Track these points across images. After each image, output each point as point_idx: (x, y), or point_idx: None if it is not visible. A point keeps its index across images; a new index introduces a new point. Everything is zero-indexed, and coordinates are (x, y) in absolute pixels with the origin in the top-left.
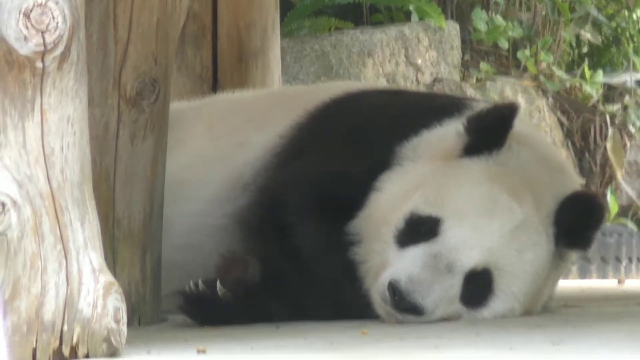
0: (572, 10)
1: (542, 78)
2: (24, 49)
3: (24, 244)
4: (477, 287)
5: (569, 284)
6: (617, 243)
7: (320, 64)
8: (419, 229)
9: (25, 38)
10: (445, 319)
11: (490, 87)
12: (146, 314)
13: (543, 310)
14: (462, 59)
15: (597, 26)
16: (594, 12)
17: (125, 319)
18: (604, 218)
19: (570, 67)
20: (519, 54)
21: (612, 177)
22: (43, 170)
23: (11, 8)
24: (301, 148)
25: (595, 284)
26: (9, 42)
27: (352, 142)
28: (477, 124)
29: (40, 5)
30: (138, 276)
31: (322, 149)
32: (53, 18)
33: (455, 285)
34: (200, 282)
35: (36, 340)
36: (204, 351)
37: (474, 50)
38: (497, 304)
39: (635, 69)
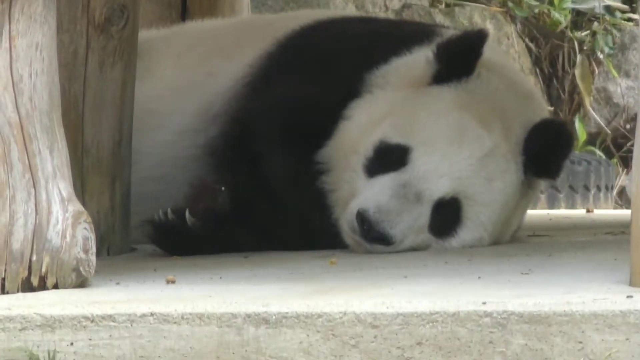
0: None
1: (510, 4)
2: None
3: None
4: (446, 216)
5: (537, 213)
6: (586, 171)
7: None
8: (388, 158)
9: None
10: (414, 249)
11: (459, 14)
12: (115, 243)
13: (512, 240)
14: None
15: None
16: None
17: (94, 249)
18: (572, 146)
19: None
20: None
21: (580, 105)
22: (11, 98)
23: None
24: (271, 77)
25: (563, 213)
26: None
27: (321, 71)
28: (446, 51)
29: None
30: (107, 205)
31: (292, 78)
32: None
33: (423, 214)
34: (169, 211)
35: (5, 270)
36: (173, 281)
37: None
38: (465, 234)
39: None
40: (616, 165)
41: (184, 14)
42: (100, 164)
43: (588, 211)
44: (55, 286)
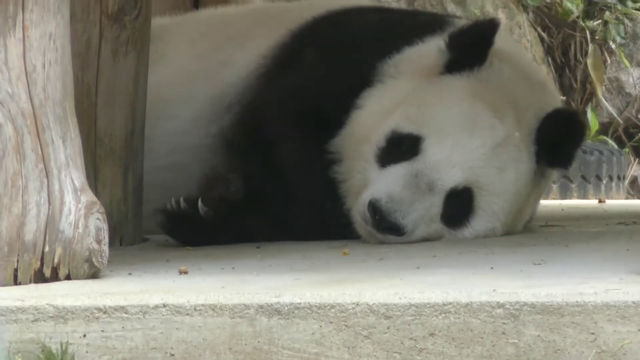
0: None
1: None
2: None
3: (5, 163)
4: (458, 206)
5: (550, 203)
6: (598, 161)
7: None
8: (400, 148)
9: None
10: (426, 239)
11: (471, 3)
12: (128, 233)
13: (524, 230)
14: None
15: None
16: None
17: (107, 240)
18: (584, 135)
19: None
20: None
21: (592, 94)
22: (25, 88)
23: None
24: (285, 69)
25: (576, 203)
26: None
27: (334, 60)
28: (458, 41)
29: None
30: (120, 195)
31: (305, 68)
32: None
33: (436, 204)
34: (181, 199)
35: (17, 261)
36: (186, 272)
37: None
38: (478, 224)
39: None
40: (628, 155)
41: (197, 3)
42: (113, 153)
43: (600, 201)
44: (68, 277)
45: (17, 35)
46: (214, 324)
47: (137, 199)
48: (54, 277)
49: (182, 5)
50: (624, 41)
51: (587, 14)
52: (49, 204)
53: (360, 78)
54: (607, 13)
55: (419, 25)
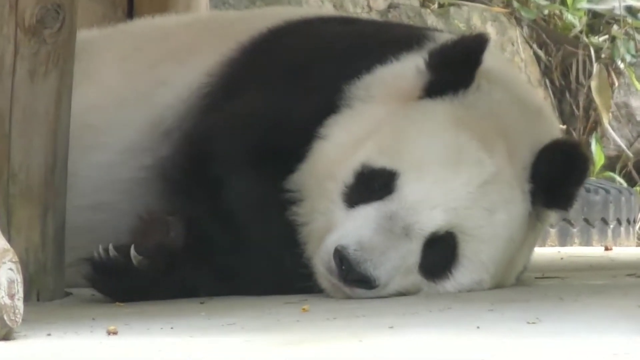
0: None
1: (515, 4)
2: None
3: None
4: (440, 254)
5: (547, 251)
6: (604, 202)
7: None
8: (371, 185)
9: None
10: (402, 293)
11: (455, 15)
12: (47, 286)
13: (517, 282)
14: None
15: None
16: None
17: (21, 294)
18: (588, 171)
19: None
20: None
21: (597, 123)
22: None
23: None
24: (233, 88)
25: (577, 250)
26: None
27: (292, 81)
28: (440, 59)
29: None
30: (37, 241)
31: (258, 89)
32: None
33: (413, 252)
34: (111, 247)
35: None
36: (115, 332)
37: None
38: (462, 275)
39: None
40: (639, 195)
41: (131, 13)
42: (30, 192)
43: (606, 249)
44: None
45: None
46: None
47: (58, 246)
48: None
49: (113, 15)
50: (634, 60)
51: (592, 29)
52: None
53: (324, 103)
54: (615, 27)
55: (393, 40)
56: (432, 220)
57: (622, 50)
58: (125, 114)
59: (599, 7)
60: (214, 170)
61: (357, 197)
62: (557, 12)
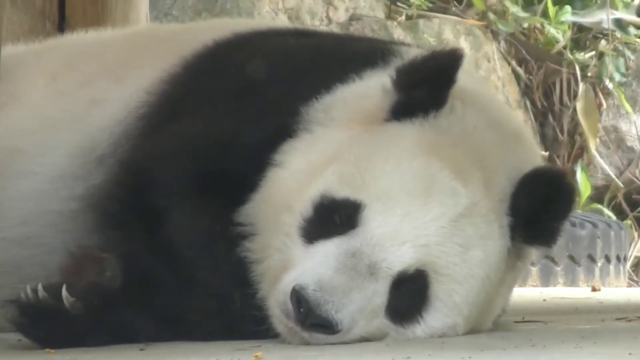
0: None
1: (492, 16)
2: None
3: None
4: (409, 295)
5: (528, 292)
6: (591, 237)
7: None
8: (333, 218)
9: None
10: (366, 339)
11: (425, 28)
12: None
13: (494, 327)
14: None
15: None
16: None
17: None
18: (573, 203)
19: (529, 2)
20: None
21: (583, 149)
22: None
23: None
24: (175, 108)
25: (562, 291)
26: None
27: (242, 101)
28: (408, 77)
29: None
30: None
31: (203, 109)
32: None
33: (379, 293)
34: (40, 287)
35: None
36: None
37: None
38: (434, 319)
39: (613, 4)
40: (630, 229)
41: (62, 25)
42: None
43: (594, 289)
44: None
45: None
46: None
47: None
48: None
49: (42, 28)
50: (624, 79)
51: (577, 44)
52: None
53: (279, 126)
54: (603, 42)
55: (356, 56)
56: (400, 258)
57: (610, 68)
58: (55, 138)
59: (585, 20)
60: (153, 201)
61: (317, 232)
62: (539, 25)
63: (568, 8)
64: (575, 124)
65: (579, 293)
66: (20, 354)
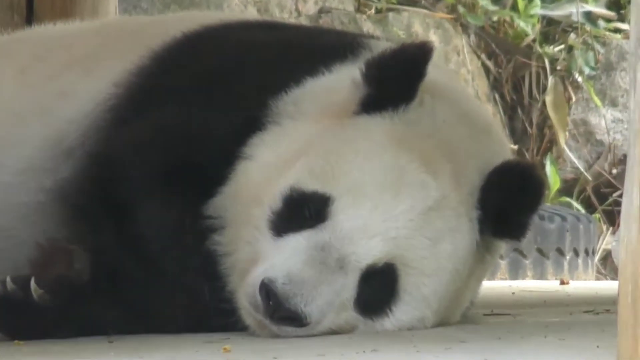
0: None
1: (461, 9)
2: None
3: None
4: (378, 288)
5: (497, 285)
6: (560, 230)
7: None
8: (302, 211)
9: None
10: (335, 332)
11: (394, 21)
12: None
13: (463, 320)
14: None
15: None
16: None
17: None
18: (542, 196)
19: None
20: None
21: (552, 142)
22: None
23: None
24: (143, 100)
25: (530, 284)
26: None
27: (210, 93)
28: (378, 71)
29: None
30: None
31: (172, 102)
32: None
33: (348, 286)
34: (8, 279)
35: None
36: None
37: None
38: (403, 311)
39: None
40: (599, 223)
41: (30, 18)
42: None
43: (562, 283)
44: None
45: None
46: None
47: None
48: None
49: (10, 21)
50: (594, 73)
51: (546, 37)
52: None
53: (248, 119)
54: (572, 36)
55: (325, 49)
56: (369, 251)
57: (580, 61)
58: (24, 131)
59: (554, 14)
60: (121, 194)
61: (286, 225)
62: (508, 18)
63: (537, 1)
64: (544, 118)
65: (548, 286)
66: None
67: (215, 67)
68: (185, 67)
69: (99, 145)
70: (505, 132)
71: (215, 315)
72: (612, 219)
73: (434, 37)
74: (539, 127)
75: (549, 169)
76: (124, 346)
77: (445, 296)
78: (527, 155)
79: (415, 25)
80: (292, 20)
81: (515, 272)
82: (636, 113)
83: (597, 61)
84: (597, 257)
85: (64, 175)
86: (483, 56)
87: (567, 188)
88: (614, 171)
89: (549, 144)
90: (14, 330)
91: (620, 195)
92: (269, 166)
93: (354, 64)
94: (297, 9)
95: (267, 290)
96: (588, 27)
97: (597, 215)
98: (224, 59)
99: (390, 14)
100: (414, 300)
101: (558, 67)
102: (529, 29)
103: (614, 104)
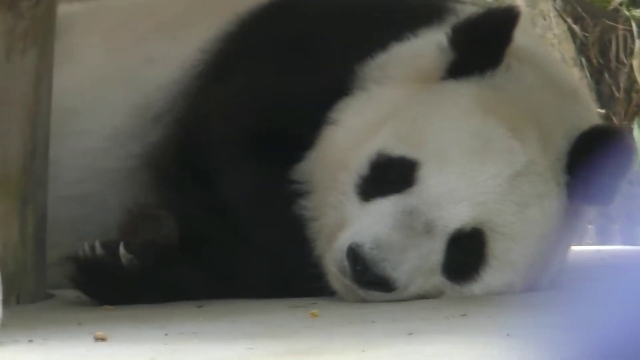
0: None
1: None
2: None
3: None
4: (465, 253)
5: (585, 250)
6: None
7: None
8: (389, 176)
9: None
10: (423, 296)
11: None
12: (27, 288)
13: (551, 286)
14: None
15: None
16: None
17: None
18: (631, 161)
19: None
20: None
21: None
22: None
23: None
24: (230, 67)
25: (619, 250)
26: None
27: (297, 59)
28: (465, 36)
29: None
30: (16, 238)
31: (259, 67)
32: None
33: (436, 251)
34: (97, 244)
35: None
36: (103, 338)
37: None
38: (491, 276)
39: None
40: None
41: None
42: (8, 183)
43: None
44: None
45: None
46: None
47: (39, 243)
48: None
49: None
50: None
51: (634, 1)
52: None
53: (334, 83)
54: None
55: (410, 14)
56: (457, 216)
57: None
58: (110, 97)
59: None
60: (209, 160)
61: (373, 190)
62: None
63: None
64: (631, 81)
65: (637, 251)
66: (79, 310)
67: (301, 32)
68: (271, 32)
69: (188, 111)
70: (592, 96)
71: (303, 280)
72: None
73: (520, 2)
74: (626, 90)
75: (636, 133)
76: (213, 309)
77: (534, 262)
78: (615, 120)
79: None
80: None
81: (604, 237)
82: None
83: None
84: None
85: (152, 141)
86: (569, 20)
87: None
88: None
89: (637, 108)
90: (103, 295)
91: None
92: (355, 131)
93: (440, 29)
94: None
95: (354, 254)
96: None
97: None
98: (310, 24)
99: None
100: (502, 265)
101: None
102: None
103: None
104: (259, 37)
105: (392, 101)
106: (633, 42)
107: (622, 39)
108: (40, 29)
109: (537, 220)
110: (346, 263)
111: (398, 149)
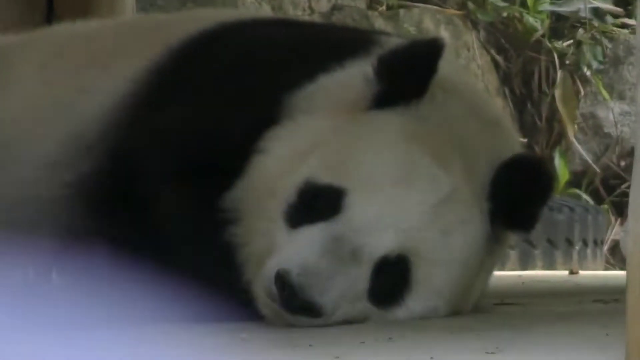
0: None
1: (471, 6)
2: None
3: None
4: (390, 279)
5: (507, 275)
6: (569, 221)
7: None
8: (316, 204)
9: None
10: (349, 321)
11: (405, 17)
12: None
13: (474, 310)
14: None
15: None
16: None
17: None
18: (552, 189)
19: None
20: None
21: (561, 135)
22: None
23: None
24: (161, 97)
25: (540, 274)
26: None
27: (227, 90)
28: (390, 66)
29: None
30: None
31: (188, 98)
32: None
33: (362, 277)
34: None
35: None
36: None
37: None
38: (415, 302)
39: None
40: (607, 214)
41: (50, 16)
42: None
43: (572, 272)
44: None
45: None
46: None
47: None
48: None
49: (30, 19)
50: (601, 67)
51: (555, 33)
52: None
53: (262, 114)
54: (581, 31)
55: (338, 45)
56: (382, 243)
57: (588, 56)
58: (45, 127)
59: (563, 10)
60: (141, 189)
61: (301, 217)
62: (517, 14)
63: None
64: (553, 111)
65: (557, 276)
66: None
67: (229, 63)
68: (200, 63)
69: (118, 141)
70: (515, 125)
71: (232, 305)
72: (621, 210)
73: (444, 33)
74: (548, 120)
75: (558, 161)
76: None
77: (457, 286)
78: (537, 149)
79: (426, 22)
80: (305, 17)
81: (525, 263)
82: None
83: (604, 56)
84: (605, 248)
85: (85, 170)
86: (493, 51)
87: (576, 180)
88: (622, 163)
89: (558, 137)
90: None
91: (628, 187)
92: (283, 159)
93: (366, 60)
94: (310, 6)
95: (282, 280)
96: (596, 22)
97: (606, 206)
98: (238, 55)
99: (402, 11)
100: (426, 290)
101: (567, 62)
102: (538, 24)
103: (621, 97)
104: (188, 67)
105: (320, 130)
106: (555, 72)
107: (544, 70)
108: None
109: (460, 247)
110: (274, 288)
111: (325, 177)
